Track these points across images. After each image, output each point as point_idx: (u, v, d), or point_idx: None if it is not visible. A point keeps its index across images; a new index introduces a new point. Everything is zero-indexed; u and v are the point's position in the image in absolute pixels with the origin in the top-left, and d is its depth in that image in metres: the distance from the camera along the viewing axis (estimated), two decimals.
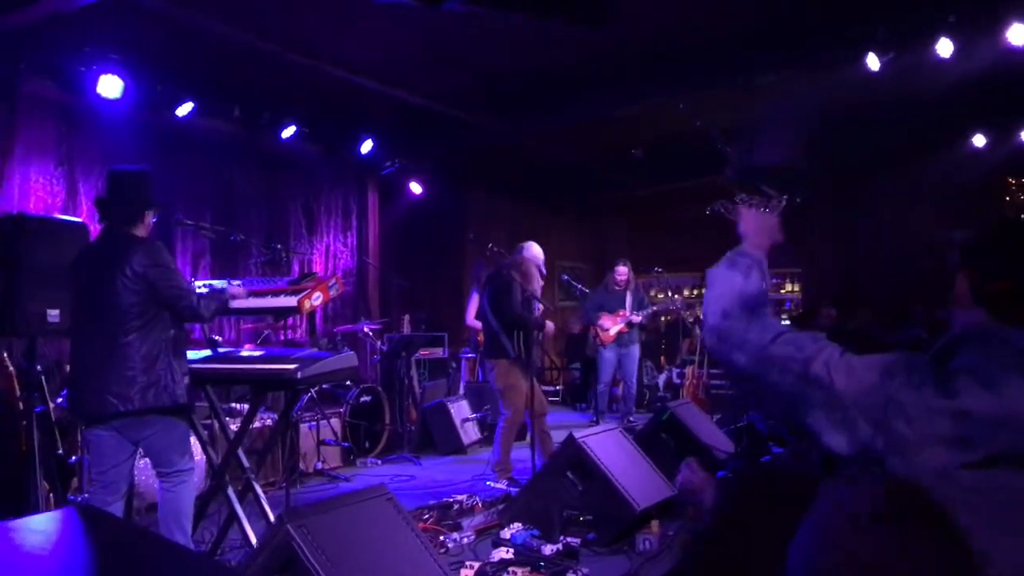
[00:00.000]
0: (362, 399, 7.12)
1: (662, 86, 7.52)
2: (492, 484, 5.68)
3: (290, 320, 6.86)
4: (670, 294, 12.70)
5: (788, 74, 7.05)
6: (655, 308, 9.31)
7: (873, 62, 6.39)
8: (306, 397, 6.42)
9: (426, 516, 4.43)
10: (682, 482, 3.48)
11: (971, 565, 1.08)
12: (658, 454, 4.96)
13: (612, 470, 4.25)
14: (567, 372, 11.56)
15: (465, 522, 4.35)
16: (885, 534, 1.07)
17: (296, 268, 8.26)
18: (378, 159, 9.17)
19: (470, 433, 7.54)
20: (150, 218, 3.77)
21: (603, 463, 4.26)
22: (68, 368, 3.89)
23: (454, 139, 8.88)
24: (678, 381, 9.93)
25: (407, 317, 8.93)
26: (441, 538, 4.06)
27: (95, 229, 4.63)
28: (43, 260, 4.06)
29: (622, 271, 8.67)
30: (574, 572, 3.65)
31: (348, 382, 6.94)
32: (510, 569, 3.63)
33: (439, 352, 8.91)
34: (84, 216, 6.12)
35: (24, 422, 4.07)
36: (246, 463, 4.11)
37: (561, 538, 4.01)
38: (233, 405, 5.81)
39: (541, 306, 6.09)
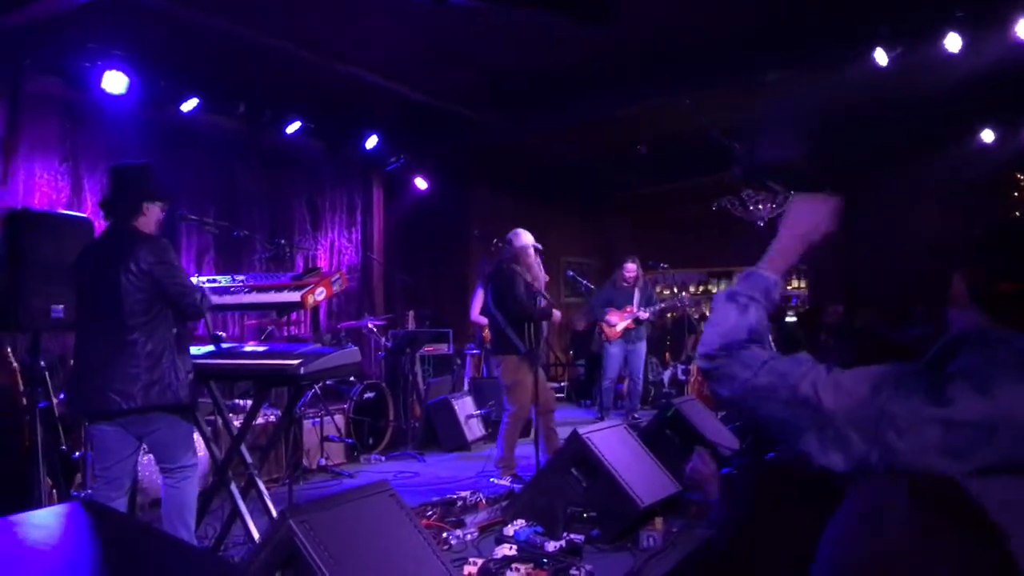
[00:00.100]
0: (366, 395, 7.12)
1: (666, 85, 7.50)
2: (496, 481, 5.67)
3: (294, 316, 6.86)
4: (675, 290, 12.67)
5: (794, 71, 7.03)
6: (663, 305, 9.30)
7: (881, 57, 6.36)
8: (310, 393, 6.42)
9: (429, 512, 4.42)
10: (690, 470, 3.46)
11: (998, 559, 1.06)
12: (663, 451, 4.93)
13: (616, 467, 4.23)
14: (572, 368, 11.54)
15: (468, 519, 4.33)
16: (911, 527, 1.06)
17: (300, 264, 8.26)
18: (383, 155, 9.16)
19: (474, 429, 7.54)
20: (155, 212, 3.74)
21: (607, 459, 4.24)
22: (72, 364, 3.89)
23: (458, 136, 8.87)
24: (683, 378, 9.92)
25: (411, 313, 8.94)
26: (444, 535, 4.04)
27: (100, 225, 4.64)
28: (47, 255, 4.07)
29: (631, 268, 8.64)
30: (577, 569, 3.63)
31: (352, 378, 6.94)
32: (513, 566, 3.61)
33: (444, 348, 8.91)
34: (89, 212, 6.12)
35: (27, 417, 4.07)
36: (249, 459, 4.10)
37: (565, 535, 3.99)
38: (236, 401, 5.81)
39: (544, 300, 6.07)
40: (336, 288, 4.19)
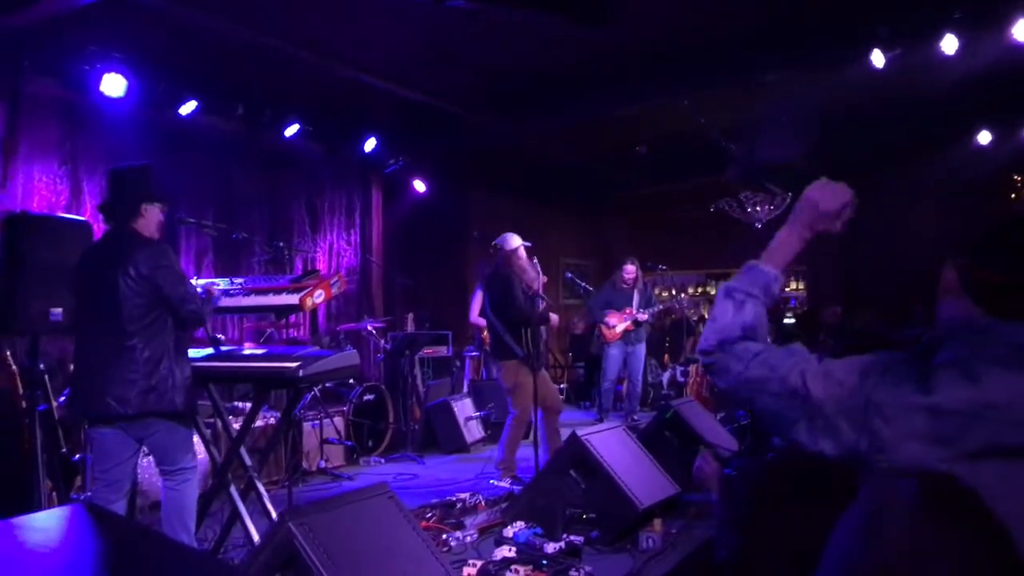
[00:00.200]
0: (365, 398, 7.12)
1: (664, 85, 7.51)
2: (495, 482, 5.68)
3: (293, 318, 6.86)
4: (674, 292, 12.68)
5: (792, 72, 7.04)
6: (661, 306, 9.30)
7: (878, 59, 6.37)
8: (309, 396, 6.43)
9: (429, 515, 4.42)
10: (696, 471, 3.50)
11: (1001, 558, 1.07)
12: (662, 452, 4.94)
13: (615, 468, 4.24)
14: (571, 370, 11.55)
15: (468, 520, 4.33)
16: (915, 528, 1.06)
17: (299, 266, 8.26)
18: (382, 157, 9.17)
19: (474, 431, 7.54)
20: (154, 214, 3.72)
21: (606, 461, 4.25)
22: (72, 367, 3.89)
23: (457, 137, 8.88)
24: (682, 379, 9.92)
25: (411, 315, 8.94)
26: (444, 536, 4.05)
27: (99, 228, 4.64)
28: (46, 258, 4.07)
29: (630, 269, 8.65)
30: (576, 570, 3.63)
31: (351, 380, 6.94)
32: (512, 567, 3.61)
33: (443, 350, 8.91)
34: (88, 215, 6.13)
35: (27, 420, 4.07)
36: (248, 462, 4.11)
37: (564, 536, 4.00)
38: (236, 403, 5.81)
39: (544, 302, 6.07)
40: (335, 290, 4.19)
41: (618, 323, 8.54)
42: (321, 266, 8.90)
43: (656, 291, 11.90)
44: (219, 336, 4.34)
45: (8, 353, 4.30)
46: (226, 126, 7.51)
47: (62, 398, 4.49)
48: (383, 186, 9.76)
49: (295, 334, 7.17)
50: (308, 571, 2.52)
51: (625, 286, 8.66)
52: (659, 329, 10.91)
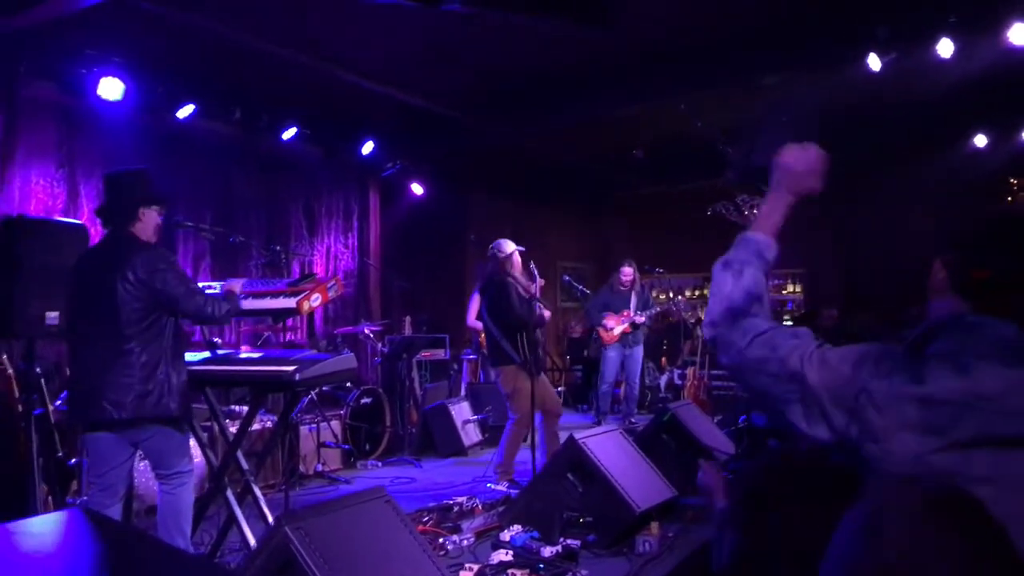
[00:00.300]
0: (363, 401, 7.11)
1: (662, 86, 7.52)
2: (492, 486, 5.67)
3: (290, 322, 6.86)
4: (671, 295, 12.69)
5: (789, 74, 7.05)
6: (659, 309, 9.31)
7: (874, 62, 6.39)
8: (306, 399, 6.42)
9: (426, 518, 4.42)
10: (700, 484, 3.50)
11: (1001, 560, 1.07)
12: (659, 455, 4.95)
13: (612, 471, 4.24)
14: (569, 373, 11.55)
15: (465, 524, 4.34)
16: (915, 530, 1.07)
17: (297, 269, 8.26)
18: (379, 160, 9.17)
19: (471, 435, 7.53)
20: (151, 217, 3.72)
21: (603, 464, 4.25)
22: (68, 371, 3.89)
23: (455, 140, 8.88)
24: (679, 382, 9.92)
25: (408, 318, 8.93)
26: (441, 540, 4.05)
27: (96, 231, 4.64)
28: (43, 262, 4.07)
29: (627, 271, 8.66)
30: (573, 574, 3.64)
31: (349, 384, 6.94)
32: (509, 571, 3.62)
33: (440, 354, 8.91)
34: (85, 218, 6.13)
35: (23, 424, 4.07)
36: (245, 465, 4.10)
37: (561, 540, 4.00)
38: (233, 407, 5.80)
39: (540, 306, 6.07)
40: (332, 294, 4.19)
41: (615, 326, 8.55)
42: (319, 270, 8.91)
43: (654, 294, 11.91)
44: (216, 340, 4.33)
45: (4, 357, 4.29)
46: (223, 130, 7.52)
47: (58, 402, 4.49)
48: (381, 189, 9.76)
49: (292, 337, 7.17)
50: (304, 575, 2.52)
51: (623, 288, 8.67)
52: (656, 332, 10.92)
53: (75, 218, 6.22)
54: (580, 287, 9.15)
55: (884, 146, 9.48)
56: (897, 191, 10.07)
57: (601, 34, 6.19)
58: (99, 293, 3.54)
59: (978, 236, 1.61)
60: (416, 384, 8.12)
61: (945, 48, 6.17)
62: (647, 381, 10.21)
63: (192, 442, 3.99)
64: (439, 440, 7.40)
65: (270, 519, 3.84)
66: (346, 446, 6.73)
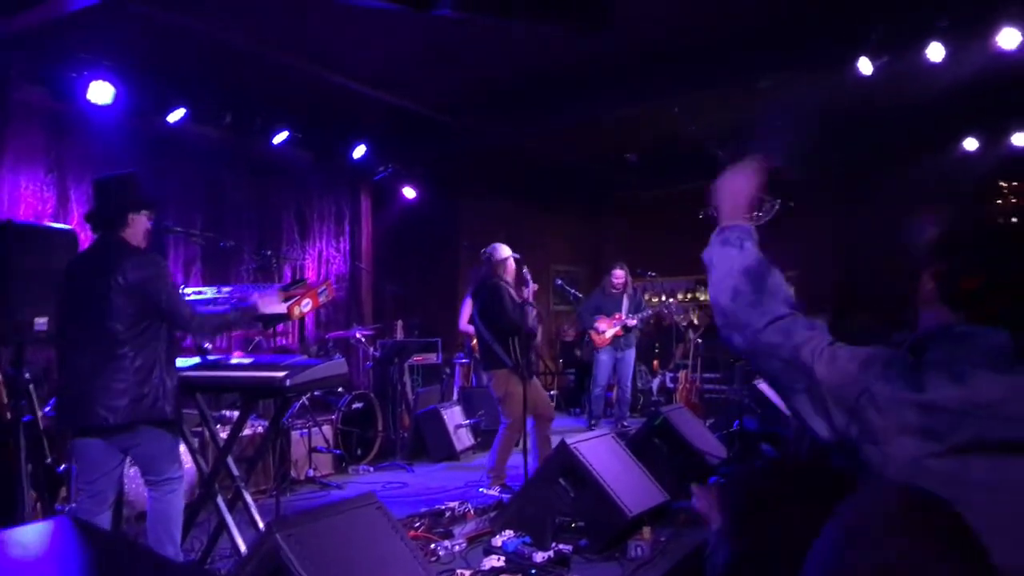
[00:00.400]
0: (354, 406, 7.09)
1: (656, 89, 7.53)
2: (485, 491, 5.66)
3: (281, 327, 6.84)
4: (664, 298, 12.70)
5: (782, 77, 7.07)
6: (651, 311, 9.32)
7: (866, 66, 6.41)
8: (298, 404, 6.40)
9: (417, 524, 4.41)
10: (696, 508, 3.51)
11: (982, 565, 1.07)
12: (651, 459, 4.95)
13: (604, 476, 4.24)
14: (562, 377, 11.55)
15: (457, 530, 4.33)
16: (895, 542, 1.07)
17: (288, 274, 8.24)
18: (371, 164, 9.16)
19: (463, 439, 7.52)
20: (141, 222, 3.69)
21: (595, 469, 4.25)
22: (58, 377, 3.86)
23: (447, 144, 8.88)
24: (671, 385, 9.92)
25: (400, 323, 8.92)
26: (432, 546, 4.04)
27: (85, 236, 4.61)
28: (31, 267, 4.04)
29: (619, 274, 8.68)
30: None
31: (340, 388, 6.91)
32: None
33: (433, 358, 8.89)
34: (75, 223, 6.09)
35: (11, 430, 4.04)
36: (236, 471, 4.08)
37: (553, 545, 4.00)
38: (224, 412, 5.78)
39: (535, 311, 6.07)
40: (323, 299, 4.18)
41: (607, 328, 8.55)
42: (310, 274, 8.88)
43: (646, 296, 11.92)
44: (206, 345, 4.31)
45: None
46: (214, 133, 7.49)
47: (47, 408, 4.46)
48: (372, 193, 9.75)
49: (284, 342, 7.15)
50: None
51: (614, 291, 8.68)
52: (648, 335, 10.93)
53: (65, 223, 6.19)
54: (573, 291, 9.15)
55: (875, 150, 9.51)
56: (889, 195, 10.10)
57: (596, 37, 6.19)
58: (90, 298, 3.52)
59: (965, 246, 1.61)
60: (408, 388, 8.11)
61: (936, 52, 6.19)
62: (639, 384, 10.22)
63: (182, 448, 3.97)
64: (431, 445, 7.38)
65: (261, 525, 3.82)
66: (338, 451, 6.71)
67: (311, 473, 6.37)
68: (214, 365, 4.06)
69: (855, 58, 6.41)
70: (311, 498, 5.94)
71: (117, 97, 6.26)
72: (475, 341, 7.15)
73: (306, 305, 4.03)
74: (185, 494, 3.86)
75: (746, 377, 6.98)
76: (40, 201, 6.44)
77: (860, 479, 1.49)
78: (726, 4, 6.18)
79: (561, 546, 3.98)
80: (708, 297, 1.87)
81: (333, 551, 2.71)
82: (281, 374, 3.64)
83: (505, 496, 5.26)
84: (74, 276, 3.66)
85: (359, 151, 8.64)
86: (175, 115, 6.88)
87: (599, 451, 4.52)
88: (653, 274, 10.24)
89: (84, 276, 3.61)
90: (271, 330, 6.47)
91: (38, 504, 4.16)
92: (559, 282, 9.36)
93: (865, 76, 6.49)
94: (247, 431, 5.67)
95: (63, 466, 4.48)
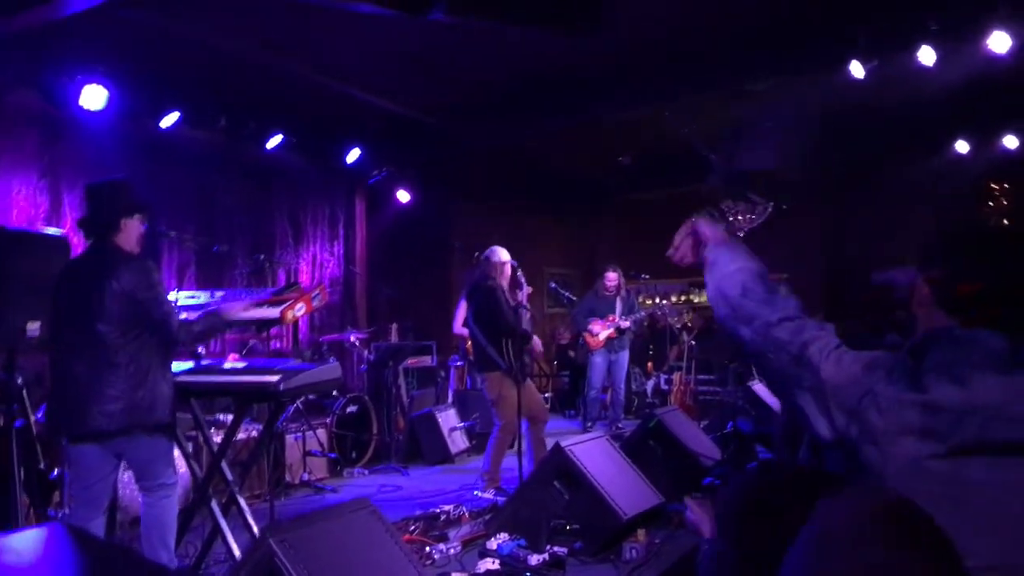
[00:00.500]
0: (349, 409, 7.08)
1: (649, 92, 7.55)
2: (479, 494, 5.66)
3: (276, 330, 6.83)
4: (658, 300, 12.71)
5: (773, 80, 7.10)
6: (644, 313, 9.34)
7: (857, 69, 6.44)
8: (292, 408, 6.39)
9: (412, 527, 4.41)
10: (688, 523, 3.52)
11: (953, 572, 1.08)
12: (646, 462, 4.96)
13: (599, 479, 4.25)
14: (556, 379, 11.55)
15: (451, 533, 4.33)
16: (867, 549, 1.07)
17: (282, 278, 8.22)
18: (365, 168, 9.15)
19: (458, 442, 7.52)
20: (134, 226, 3.68)
21: (590, 472, 4.26)
22: (52, 383, 3.84)
23: (441, 147, 8.88)
24: (666, 387, 9.95)
25: (395, 326, 8.90)
26: (427, 549, 4.04)
27: (78, 242, 4.60)
28: (24, 273, 4.02)
29: (612, 277, 8.70)
30: None
31: (334, 392, 6.90)
32: None
33: (427, 361, 8.89)
34: (68, 228, 6.08)
35: (4, 436, 4.02)
36: (230, 476, 4.08)
37: (548, 547, 4.00)
38: (218, 416, 5.77)
39: (529, 313, 6.08)
40: (316, 303, 4.17)
41: (601, 331, 8.57)
42: (304, 278, 8.87)
43: (640, 299, 11.93)
44: (200, 349, 4.30)
45: None
46: (208, 138, 7.47)
47: (39, 413, 4.44)
48: (366, 197, 9.74)
49: (278, 345, 7.14)
50: None
51: (607, 294, 8.70)
52: (642, 337, 10.95)
53: (58, 227, 6.17)
54: (567, 293, 9.16)
55: (867, 153, 9.55)
56: (881, 197, 10.15)
57: (589, 41, 6.20)
58: (84, 303, 3.51)
59: (960, 252, 1.63)
60: (403, 391, 8.10)
61: (927, 55, 6.22)
62: (634, 387, 10.23)
63: (176, 453, 3.97)
64: (426, 448, 7.38)
65: (255, 529, 3.82)
66: (332, 454, 6.70)
67: (306, 477, 6.36)
68: (208, 369, 4.06)
69: (847, 61, 6.44)
70: (306, 502, 5.93)
71: (110, 101, 6.24)
72: (469, 344, 7.15)
73: (299, 309, 4.03)
74: (179, 499, 3.86)
75: (740, 379, 7.01)
76: (33, 206, 6.42)
77: (855, 481, 1.50)
78: (717, 8, 6.20)
79: (556, 549, 3.99)
80: (701, 300, 1.89)
81: (327, 556, 2.71)
82: (275, 378, 3.64)
83: (500, 499, 5.27)
84: (68, 281, 3.66)
85: (353, 155, 8.63)
86: (168, 119, 6.87)
87: (593, 453, 4.53)
88: (647, 276, 10.26)
89: (78, 281, 3.60)
90: (265, 334, 6.45)
91: (31, 510, 4.15)
92: (553, 285, 9.37)
93: (857, 79, 6.51)
94: (241, 435, 5.66)
95: (56, 471, 4.46)
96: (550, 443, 4.83)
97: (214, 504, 3.94)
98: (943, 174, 9.27)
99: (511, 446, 6.15)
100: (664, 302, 12.26)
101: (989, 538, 1.36)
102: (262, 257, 5.43)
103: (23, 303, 3.97)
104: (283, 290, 4.26)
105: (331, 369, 3.94)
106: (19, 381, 4.12)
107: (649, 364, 10.91)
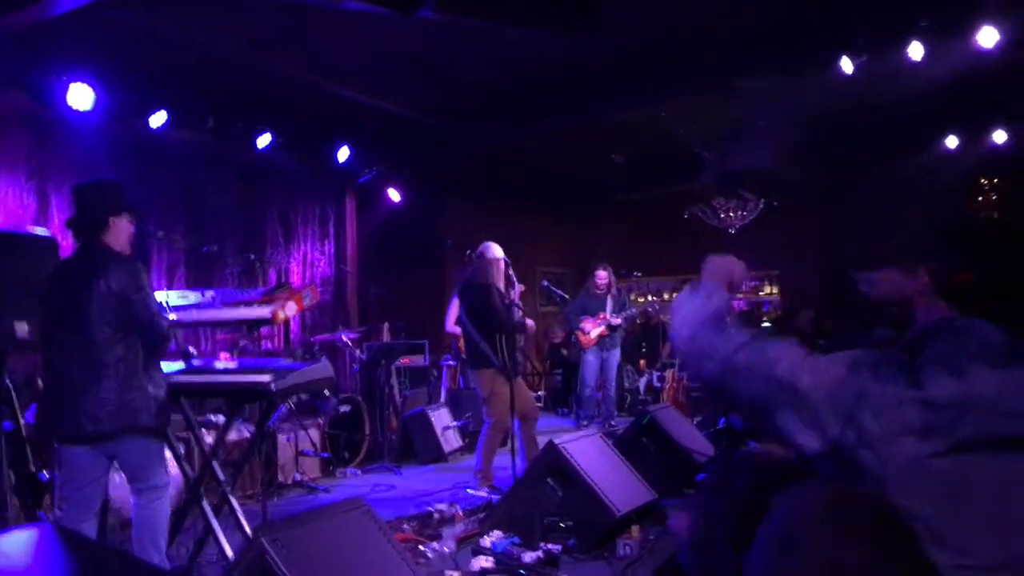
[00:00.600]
0: (341, 409, 7.06)
1: (642, 92, 7.56)
2: (473, 492, 5.66)
3: (267, 330, 6.80)
4: (650, 298, 12.73)
5: (764, 78, 7.11)
6: (635, 311, 9.35)
7: (847, 65, 6.46)
8: (284, 408, 6.37)
9: (405, 526, 4.41)
10: (669, 528, 3.55)
11: (912, 561, 1.08)
12: (639, 459, 4.97)
13: (592, 476, 4.24)
14: (549, 378, 11.56)
15: (445, 531, 4.32)
16: (825, 543, 1.07)
17: (273, 278, 8.20)
18: (355, 167, 9.13)
19: (451, 441, 7.51)
20: (123, 226, 3.65)
21: (583, 469, 4.25)
22: (43, 384, 3.82)
23: (432, 146, 8.87)
24: (658, 385, 9.95)
25: (387, 325, 8.89)
26: (421, 548, 4.03)
27: (66, 243, 4.57)
28: (12, 274, 4.00)
29: (602, 275, 8.72)
30: None
31: (327, 392, 6.88)
32: None
33: (420, 360, 8.88)
34: (56, 229, 6.04)
35: None
36: (222, 476, 4.06)
37: (541, 545, 4.00)
38: (209, 417, 5.74)
39: (521, 312, 6.07)
40: (307, 303, 4.16)
41: (593, 329, 8.57)
42: (295, 277, 8.85)
43: (632, 297, 11.95)
44: (191, 350, 4.28)
45: None
46: (197, 138, 7.43)
47: (29, 415, 4.41)
48: (357, 196, 9.71)
49: (269, 345, 7.11)
50: None
51: (598, 292, 8.71)
52: (635, 335, 10.96)
53: (46, 229, 6.13)
54: (559, 292, 9.17)
55: (858, 148, 9.58)
56: (871, 193, 10.19)
57: (583, 41, 6.19)
58: (73, 305, 3.49)
59: (957, 242, 1.64)
60: (395, 391, 8.08)
61: (916, 51, 6.24)
62: (626, 384, 10.24)
63: (168, 454, 3.94)
64: (419, 447, 7.36)
65: (248, 529, 3.80)
66: (325, 454, 6.68)
67: (298, 477, 6.34)
68: (199, 370, 4.04)
69: (837, 57, 6.45)
70: (299, 502, 5.91)
71: (98, 102, 6.20)
72: (462, 342, 7.14)
73: (290, 309, 4.01)
74: (171, 500, 3.83)
75: None
76: (21, 207, 6.38)
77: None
78: (713, 8, 6.20)
79: (550, 546, 3.98)
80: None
81: (321, 555, 2.70)
82: (267, 378, 3.62)
83: (493, 497, 5.26)
84: (58, 282, 3.63)
85: (343, 154, 8.61)
86: (157, 119, 6.83)
87: (587, 451, 4.52)
88: (639, 274, 10.28)
89: (68, 282, 3.57)
90: (256, 334, 6.43)
91: (21, 513, 4.12)
92: (545, 283, 9.36)
93: (847, 75, 6.53)
94: (233, 435, 5.62)
95: (47, 474, 4.43)
96: (543, 441, 4.83)
97: (206, 504, 3.92)
98: (933, 170, 9.32)
99: (503, 444, 6.15)
100: (654, 299, 12.30)
101: (990, 537, 1.35)
102: (252, 257, 5.41)
103: (12, 304, 3.95)
104: (273, 290, 4.25)
105: (323, 368, 3.93)
106: (8, 383, 4.10)
107: (642, 361, 10.91)
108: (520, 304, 6.04)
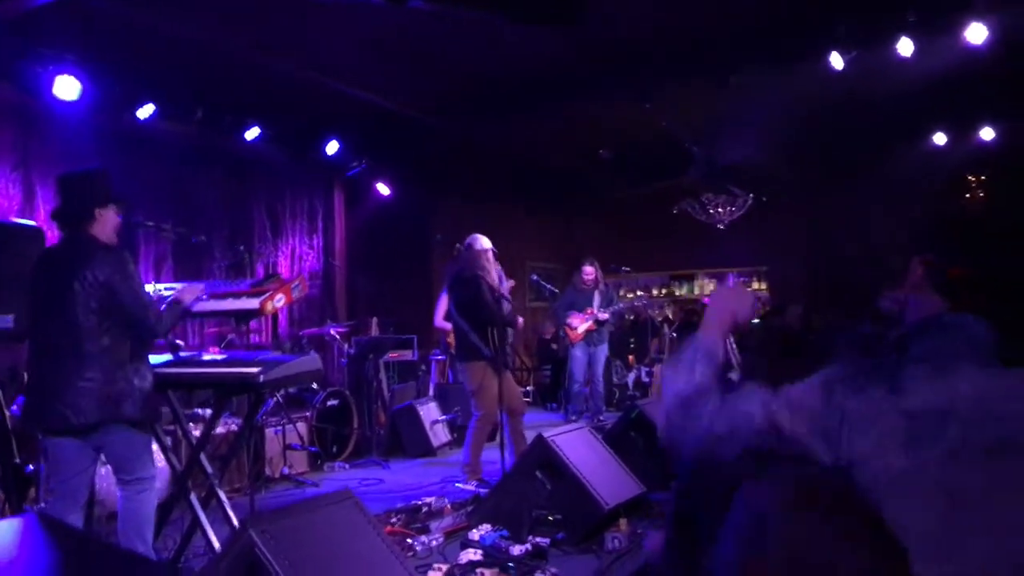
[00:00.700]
0: (329, 403, 7.04)
1: (629, 86, 7.55)
2: (461, 486, 5.65)
3: (255, 324, 6.77)
4: (639, 293, 12.76)
5: (753, 72, 7.12)
6: (622, 306, 9.37)
7: (836, 60, 6.47)
8: (272, 401, 6.34)
9: (394, 519, 4.40)
10: (644, 547, 3.57)
11: (896, 561, 1.07)
12: (627, 452, 4.97)
13: (581, 469, 4.25)
14: (538, 373, 11.56)
15: (433, 524, 4.31)
16: (799, 530, 1.07)
17: (261, 271, 8.16)
18: (344, 160, 9.10)
19: (440, 435, 7.50)
20: (109, 217, 3.61)
21: (572, 462, 4.25)
22: (26, 375, 3.78)
23: (421, 140, 8.85)
24: (647, 380, 9.98)
25: (375, 319, 8.86)
26: (409, 541, 4.03)
27: (52, 235, 4.53)
28: None
29: (589, 270, 8.72)
30: (543, 572, 3.63)
31: (315, 385, 6.86)
32: (478, 570, 3.61)
33: (408, 354, 8.85)
34: (41, 220, 5.99)
35: None
36: (209, 469, 4.03)
37: (530, 538, 4.00)
38: (196, 410, 5.71)
39: (511, 306, 6.07)
40: (296, 295, 4.13)
41: (580, 324, 8.58)
42: (283, 271, 8.81)
43: (621, 292, 11.96)
44: (178, 342, 4.25)
45: None
46: (185, 130, 7.40)
47: (15, 407, 4.38)
48: (346, 189, 9.69)
49: (257, 339, 7.08)
50: None
51: (585, 287, 8.72)
52: (624, 330, 10.98)
53: (31, 220, 6.08)
54: (549, 286, 9.17)
55: (846, 144, 9.61)
56: (859, 188, 10.22)
57: (568, 34, 6.18)
58: (58, 295, 3.45)
59: (952, 235, 1.65)
60: (384, 385, 8.06)
61: (905, 47, 6.27)
62: (615, 379, 10.26)
63: (155, 446, 3.92)
64: (407, 441, 7.35)
65: (235, 523, 3.78)
66: (313, 448, 6.66)
67: (286, 471, 6.31)
68: (187, 362, 4.01)
69: (826, 53, 6.47)
70: (286, 496, 5.89)
71: (84, 93, 6.15)
72: (451, 337, 7.13)
73: (279, 300, 3.99)
74: (158, 493, 3.81)
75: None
76: (6, 198, 6.33)
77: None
78: (691, 4, 6.20)
79: (538, 539, 3.98)
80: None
81: (309, 547, 2.68)
82: (255, 370, 3.60)
83: (482, 490, 5.25)
84: (44, 271, 3.59)
85: (332, 147, 8.58)
86: (144, 111, 6.79)
87: (576, 444, 4.52)
88: (627, 269, 10.28)
89: (53, 272, 3.54)
90: (244, 327, 6.39)
91: (6, 505, 4.09)
92: (535, 277, 9.35)
93: (836, 70, 6.55)
94: (220, 429, 5.60)
95: (32, 466, 4.40)
96: (531, 436, 4.83)
97: (193, 497, 3.90)
98: (922, 166, 9.36)
99: (491, 438, 6.14)
100: (642, 294, 12.32)
101: (985, 538, 1.34)
102: (242, 248, 5.37)
103: None
104: (262, 282, 4.22)
105: (311, 361, 3.92)
106: None
107: (630, 357, 10.94)
108: (510, 298, 6.03)
